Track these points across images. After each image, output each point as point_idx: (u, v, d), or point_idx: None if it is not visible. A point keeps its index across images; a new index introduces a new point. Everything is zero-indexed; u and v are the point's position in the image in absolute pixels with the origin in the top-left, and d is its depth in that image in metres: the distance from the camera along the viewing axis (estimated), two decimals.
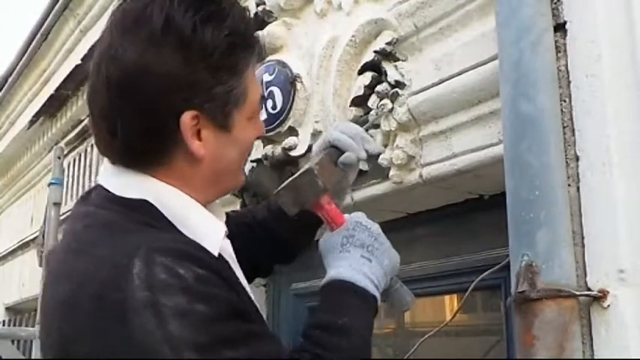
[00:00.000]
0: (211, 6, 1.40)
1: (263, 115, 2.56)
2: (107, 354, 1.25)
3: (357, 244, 1.60)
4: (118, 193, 1.42)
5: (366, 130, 1.93)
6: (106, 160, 1.49)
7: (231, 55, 1.42)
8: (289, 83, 2.51)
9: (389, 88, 2.18)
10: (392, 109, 2.16)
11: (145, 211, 1.39)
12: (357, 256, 1.58)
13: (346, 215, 1.68)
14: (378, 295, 1.57)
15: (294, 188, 1.67)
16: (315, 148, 1.88)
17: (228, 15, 1.41)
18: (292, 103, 2.49)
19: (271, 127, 2.57)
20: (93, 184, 1.58)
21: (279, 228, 1.86)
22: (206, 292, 1.27)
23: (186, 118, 1.37)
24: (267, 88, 2.58)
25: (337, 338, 1.45)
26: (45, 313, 1.41)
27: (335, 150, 1.79)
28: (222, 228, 1.48)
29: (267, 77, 2.59)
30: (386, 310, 1.66)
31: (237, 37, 1.42)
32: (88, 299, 1.26)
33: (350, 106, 2.32)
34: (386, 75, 2.21)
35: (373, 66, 2.26)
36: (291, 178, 1.68)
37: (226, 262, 1.44)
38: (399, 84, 2.16)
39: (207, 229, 1.42)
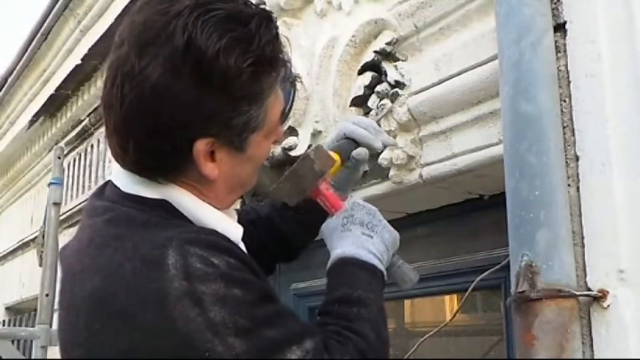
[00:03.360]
0: (238, 29, 1.33)
1: None
2: (147, 345, 1.25)
3: (357, 223, 1.63)
4: (133, 192, 1.41)
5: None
6: None
7: (254, 84, 1.36)
8: (289, 83, 2.50)
9: (389, 88, 2.18)
10: (392, 109, 2.16)
11: (164, 210, 1.39)
12: (358, 233, 1.61)
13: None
14: (383, 269, 1.60)
15: (293, 177, 1.69)
16: (327, 141, 1.89)
17: (255, 38, 1.34)
18: (292, 103, 2.49)
19: None
20: (93, 184, 1.58)
21: (283, 225, 1.87)
22: (240, 277, 1.29)
23: (201, 144, 1.35)
24: None
25: (356, 309, 1.47)
26: (68, 309, 1.39)
27: (349, 142, 1.81)
28: (240, 229, 1.49)
29: None
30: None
31: (262, 64, 1.36)
32: (120, 291, 1.27)
33: (350, 106, 2.32)
34: (386, 75, 2.21)
35: (373, 66, 2.26)
36: (289, 170, 1.70)
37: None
38: (399, 84, 2.16)
39: (225, 230, 1.42)
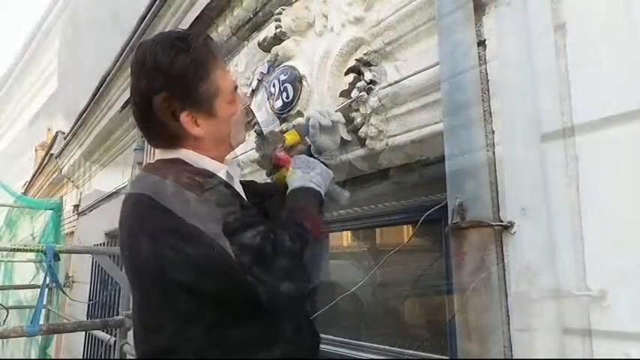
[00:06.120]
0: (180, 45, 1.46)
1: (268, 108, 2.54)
2: None
3: (298, 167, 1.71)
4: (159, 157, 1.54)
5: (350, 113, 2.03)
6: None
7: (199, 64, 1.47)
8: (297, 81, 2.49)
9: (365, 85, 2.16)
10: (367, 98, 2.14)
11: (178, 162, 1.49)
12: (300, 174, 1.68)
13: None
14: (321, 190, 1.66)
15: (265, 150, 1.87)
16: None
17: (192, 46, 1.46)
18: (299, 95, 2.48)
19: (285, 110, 2.56)
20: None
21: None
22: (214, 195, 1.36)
23: (183, 117, 1.47)
24: (282, 84, 2.56)
25: (301, 213, 1.53)
26: None
27: (306, 125, 1.94)
28: (224, 167, 1.54)
29: (282, 77, 2.57)
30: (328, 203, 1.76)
31: (199, 58, 1.47)
32: None
33: (339, 96, 2.31)
34: (364, 75, 2.19)
35: (355, 69, 2.24)
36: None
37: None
38: (372, 82, 2.14)
39: (215, 168, 1.50)
